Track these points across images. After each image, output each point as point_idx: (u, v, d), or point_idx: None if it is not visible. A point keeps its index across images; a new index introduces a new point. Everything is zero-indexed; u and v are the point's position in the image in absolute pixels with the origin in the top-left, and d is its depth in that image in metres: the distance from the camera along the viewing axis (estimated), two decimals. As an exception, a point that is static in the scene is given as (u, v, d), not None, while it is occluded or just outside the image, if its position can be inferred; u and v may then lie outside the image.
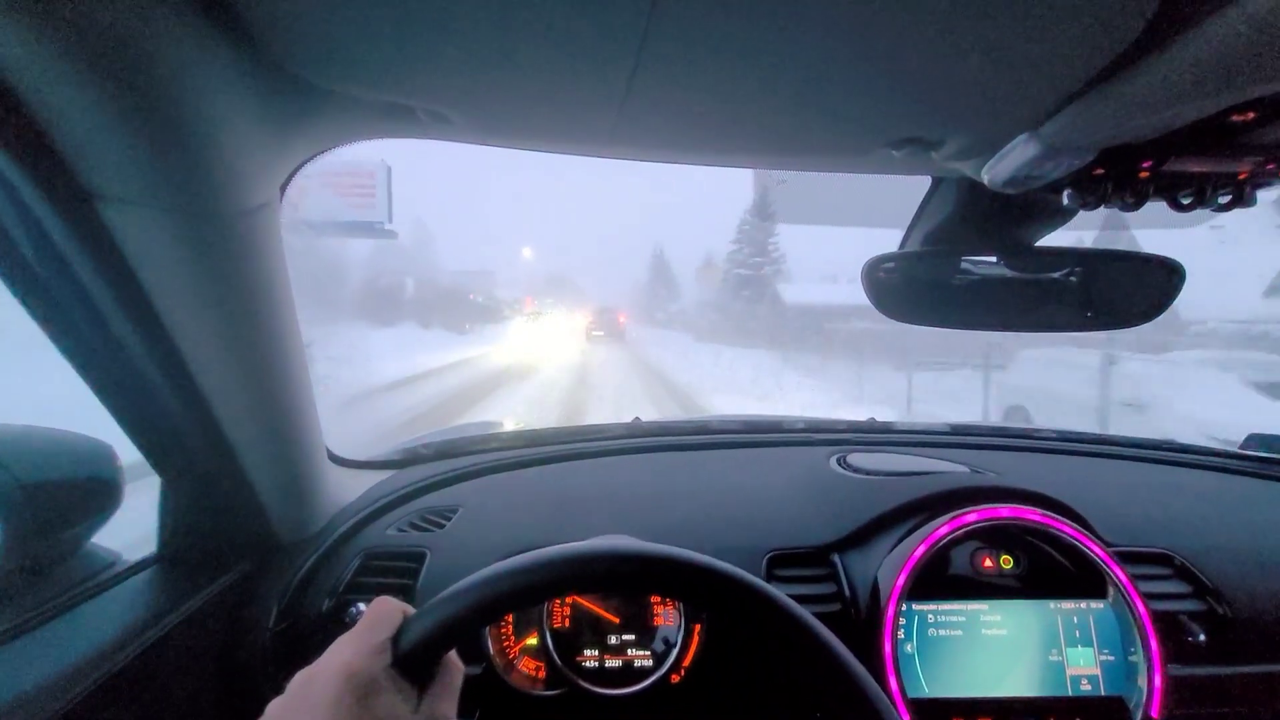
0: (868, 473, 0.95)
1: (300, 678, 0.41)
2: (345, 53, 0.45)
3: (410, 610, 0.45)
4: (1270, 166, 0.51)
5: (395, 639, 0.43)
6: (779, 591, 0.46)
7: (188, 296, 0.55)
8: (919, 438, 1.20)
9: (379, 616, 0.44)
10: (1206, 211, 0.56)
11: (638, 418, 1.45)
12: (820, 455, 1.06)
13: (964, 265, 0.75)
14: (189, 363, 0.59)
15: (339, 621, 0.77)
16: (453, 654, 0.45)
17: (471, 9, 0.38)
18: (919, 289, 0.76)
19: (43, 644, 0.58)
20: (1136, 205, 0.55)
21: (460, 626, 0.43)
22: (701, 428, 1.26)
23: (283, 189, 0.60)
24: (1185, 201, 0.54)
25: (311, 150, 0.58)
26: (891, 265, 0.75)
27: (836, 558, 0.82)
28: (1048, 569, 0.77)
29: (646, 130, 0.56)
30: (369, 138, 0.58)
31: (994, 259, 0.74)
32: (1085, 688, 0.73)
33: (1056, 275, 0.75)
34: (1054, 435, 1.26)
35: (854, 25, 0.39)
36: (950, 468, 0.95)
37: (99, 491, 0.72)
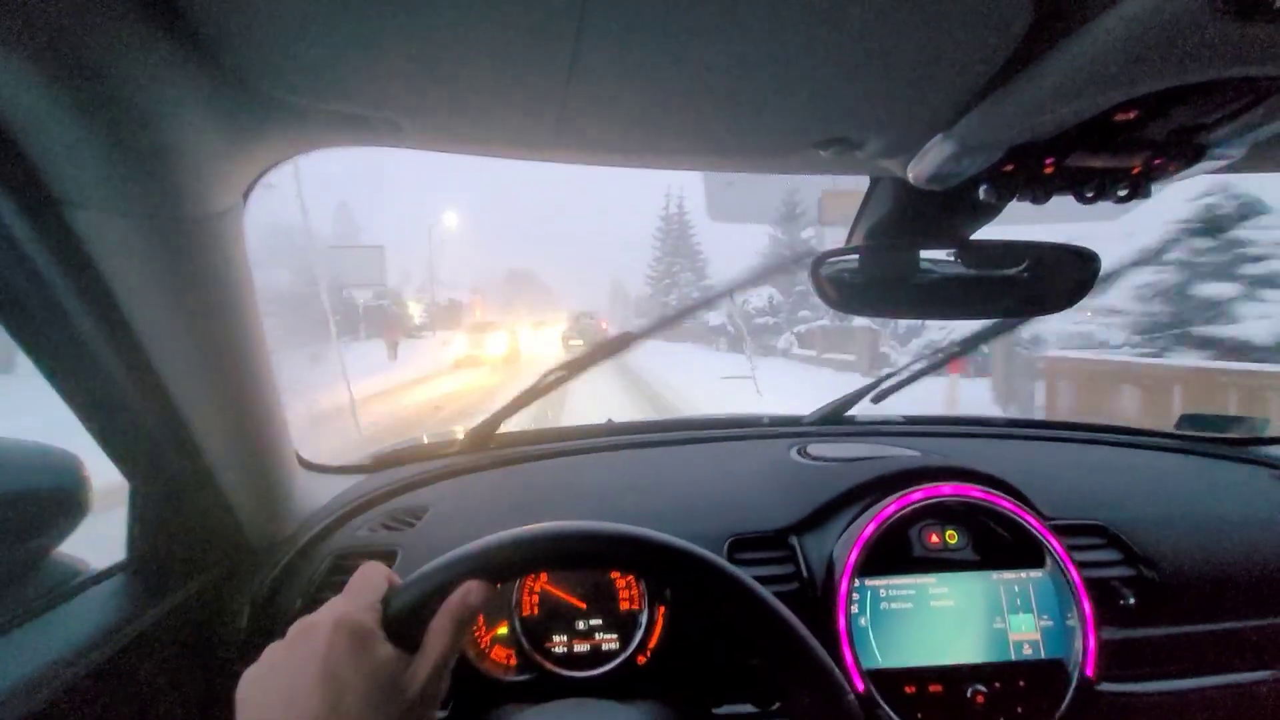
0: (825, 460, 0.99)
1: (299, 625, 0.42)
2: (301, 66, 0.47)
3: (396, 578, 0.47)
4: (1159, 161, 0.56)
5: (385, 602, 0.45)
6: (733, 567, 0.51)
7: (155, 300, 0.57)
8: (878, 429, 1.25)
9: (367, 579, 0.46)
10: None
11: (610, 419, 1.48)
12: (782, 447, 1.10)
13: (902, 259, 0.80)
14: (158, 367, 0.60)
15: None
16: (442, 627, 0.44)
17: (411, 17, 0.41)
18: (862, 283, 0.81)
19: (7, 649, 0.58)
20: (1045, 199, 0.60)
21: (444, 595, 0.45)
22: (671, 425, 1.29)
23: (246, 195, 0.62)
24: (1088, 195, 0.60)
25: (273, 158, 0.60)
26: (836, 260, 0.79)
27: (794, 539, 0.86)
28: (990, 543, 0.82)
29: (585, 131, 0.59)
30: (328, 146, 0.61)
31: (931, 253, 0.79)
32: (1027, 652, 0.78)
33: (989, 266, 0.80)
34: (1004, 422, 1.32)
35: (776, 27, 0.43)
36: (902, 453, 1.00)
37: (65, 501, 0.72)
